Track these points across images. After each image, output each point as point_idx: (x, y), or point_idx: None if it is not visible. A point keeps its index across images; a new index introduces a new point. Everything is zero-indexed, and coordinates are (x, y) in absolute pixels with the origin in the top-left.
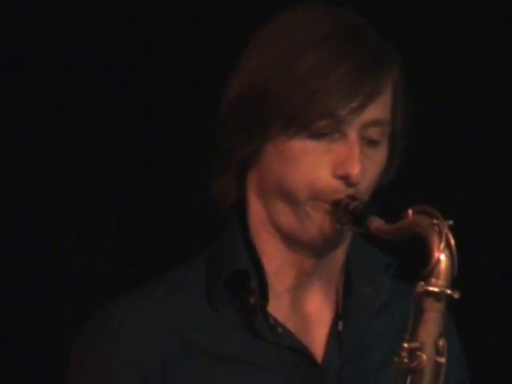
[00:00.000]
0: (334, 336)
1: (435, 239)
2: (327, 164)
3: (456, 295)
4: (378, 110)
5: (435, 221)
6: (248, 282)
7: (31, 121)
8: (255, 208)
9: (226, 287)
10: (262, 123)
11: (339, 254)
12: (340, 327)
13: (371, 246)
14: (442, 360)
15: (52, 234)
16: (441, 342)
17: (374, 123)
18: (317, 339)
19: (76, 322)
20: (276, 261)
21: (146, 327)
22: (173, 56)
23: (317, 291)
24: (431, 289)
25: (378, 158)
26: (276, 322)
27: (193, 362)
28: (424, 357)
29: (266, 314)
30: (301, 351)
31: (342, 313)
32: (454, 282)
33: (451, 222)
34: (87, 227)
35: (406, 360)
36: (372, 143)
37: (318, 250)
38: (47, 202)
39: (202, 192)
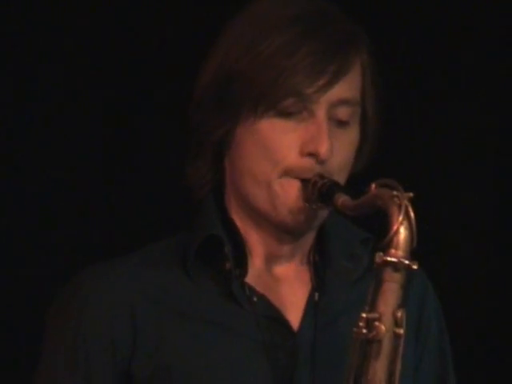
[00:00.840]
0: (309, 306)
1: (394, 210)
2: (296, 142)
3: (414, 266)
4: (346, 89)
5: (395, 193)
6: (222, 248)
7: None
8: (231, 191)
9: (202, 256)
10: (232, 105)
11: (312, 233)
12: (316, 297)
13: (348, 222)
14: (401, 331)
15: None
16: (399, 314)
17: (342, 102)
18: (292, 308)
19: None
20: (251, 236)
21: (117, 292)
22: (147, 44)
23: (293, 263)
24: (390, 259)
25: (348, 138)
26: (252, 290)
27: (166, 325)
28: (382, 327)
29: (243, 284)
30: (276, 318)
31: (318, 284)
32: (413, 253)
33: (411, 194)
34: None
35: (364, 330)
36: (341, 124)
37: (289, 229)
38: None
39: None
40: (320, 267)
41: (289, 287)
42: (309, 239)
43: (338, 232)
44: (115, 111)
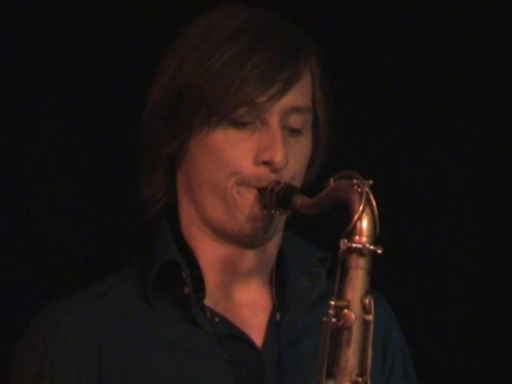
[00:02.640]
0: (271, 326)
1: (356, 198)
2: (250, 152)
3: (379, 250)
4: (297, 96)
5: (355, 181)
6: (180, 273)
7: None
8: (185, 207)
9: (160, 282)
10: (184, 118)
11: (272, 247)
12: (277, 317)
13: (304, 241)
14: (370, 317)
15: None
16: (367, 300)
17: (294, 110)
18: (255, 328)
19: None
20: (209, 256)
21: (81, 324)
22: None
23: (253, 283)
24: (354, 245)
25: (302, 146)
26: (213, 313)
27: (132, 353)
28: (351, 315)
29: (202, 306)
30: (239, 337)
31: (279, 304)
32: (377, 238)
33: (371, 182)
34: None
35: (333, 319)
36: (294, 132)
37: (248, 240)
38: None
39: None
40: (279, 287)
41: (249, 309)
42: (269, 256)
43: (295, 251)
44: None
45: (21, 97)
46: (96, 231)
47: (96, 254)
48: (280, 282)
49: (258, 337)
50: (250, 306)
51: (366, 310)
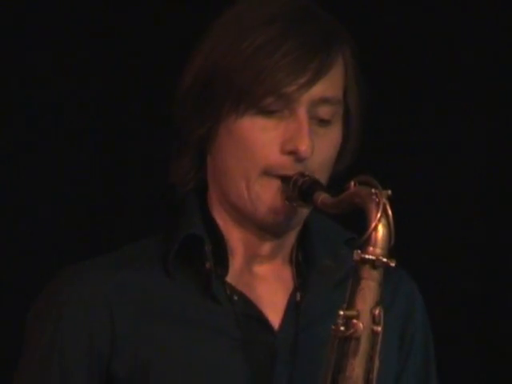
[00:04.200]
0: (291, 306)
1: (373, 208)
2: (277, 141)
3: (392, 264)
4: (327, 87)
5: (374, 190)
6: (202, 247)
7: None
8: (213, 190)
9: (183, 256)
10: (213, 104)
11: (293, 233)
12: (298, 298)
13: (332, 222)
14: (378, 329)
15: None
16: (377, 311)
17: (323, 101)
18: (274, 308)
19: None
20: (233, 237)
21: (94, 292)
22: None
23: (274, 263)
24: (367, 257)
25: (330, 137)
26: (232, 289)
27: (146, 326)
28: (360, 325)
29: (223, 283)
30: (256, 317)
31: (300, 284)
32: (391, 251)
33: (389, 192)
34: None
35: (342, 328)
36: (323, 122)
37: (270, 227)
38: None
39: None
40: (303, 266)
41: (270, 287)
42: (291, 238)
43: (322, 231)
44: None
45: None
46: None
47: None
48: (304, 261)
49: (276, 317)
50: (272, 284)
51: (375, 321)
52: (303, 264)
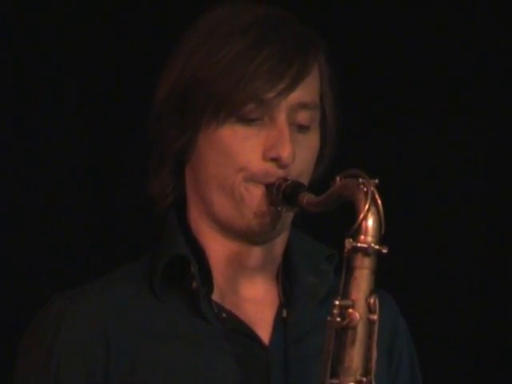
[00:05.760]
0: (278, 322)
1: (361, 197)
2: (258, 148)
3: (384, 250)
4: (305, 93)
5: (360, 180)
6: (188, 268)
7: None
8: (193, 202)
9: (168, 277)
10: (192, 114)
11: (279, 244)
12: (284, 314)
13: (312, 239)
14: (374, 317)
15: None
16: (372, 300)
17: (302, 106)
18: (262, 324)
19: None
20: (216, 252)
21: (87, 316)
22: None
23: (260, 279)
24: (359, 245)
25: (309, 143)
26: (220, 308)
27: (139, 344)
28: (356, 314)
29: (210, 301)
30: (246, 333)
31: (286, 301)
32: (383, 238)
33: (376, 181)
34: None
35: (338, 319)
36: (302, 128)
37: (255, 236)
38: None
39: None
40: (287, 284)
41: (256, 305)
42: (275, 251)
43: (303, 248)
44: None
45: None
46: (102, 227)
47: (103, 252)
48: (287, 278)
49: (264, 333)
50: (257, 302)
51: (370, 310)
52: (286, 281)
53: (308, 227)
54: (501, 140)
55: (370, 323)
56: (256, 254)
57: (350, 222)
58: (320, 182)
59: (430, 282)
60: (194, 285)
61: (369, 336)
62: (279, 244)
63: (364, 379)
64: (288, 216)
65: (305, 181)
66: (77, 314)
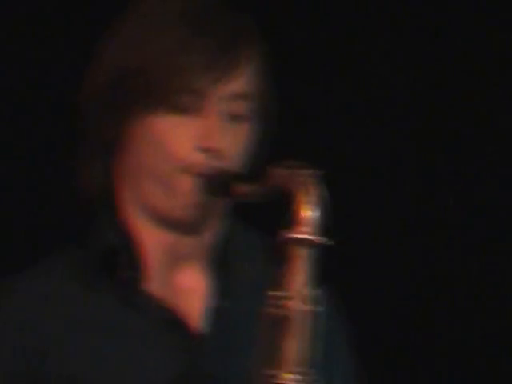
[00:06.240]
0: (210, 311)
1: (297, 188)
2: (189, 138)
3: (321, 241)
4: (238, 83)
5: (298, 172)
6: (118, 258)
7: None
8: (124, 192)
9: (98, 266)
10: (124, 103)
11: (212, 233)
12: (216, 303)
13: (250, 228)
14: (311, 308)
15: None
16: (308, 290)
17: (235, 96)
18: (193, 313)
19: None
20: (148, 241)
21: (17, 306)
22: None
23: (193, 269)
24: (294, 236)
25: (243, 133)
26: (150, 297)
27: (69, 335)
28: (290, 304)
29: (141, 291)
30: (178, 323)
31: (219, 290)
32: (320, 228)
33: (313, 170)
34: None
35: (273, 309)
36: (235, 118)
37: (187, 226)
38: None
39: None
40: (221, 273)
41: (188, 294)
42: (209, 242)
43: (238, 237)
44: None
45: None
46: (29, 216)
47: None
48: (222, 268)
49: (196, 323)
50: (190, 292)
51: (308, 301)
52: (220, 269)
53: (247, 218)
54: None
55: (306, 314)
56: (188, 243)
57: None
58: (255, 174)
59: (377, 275)
60: (124, 275)
61: (304, 326)
62: (212, 233)
63: (305, 370)
64: (220, 206)
65: (237, 171)
66: (6, 306)
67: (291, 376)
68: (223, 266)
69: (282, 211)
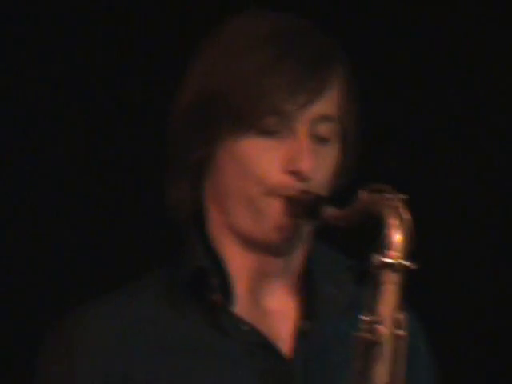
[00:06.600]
0: (299, 334)
1: (388, 212)
2: (278, 161)
3: (412, 266)
4: (325, 105)
5: (387, 195)
6: (208, 280)
7: None
8: (213, 214)
9: (188, 288)
10: (212, 126)
11: (299, 256)
12: (305, 326)
13: (333, 250)
14: (402, 333)
15: None
16: (399, 315)
17: (322, 119)
18: (282, 336)
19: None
20: (236, 263)
21: (105, 330)
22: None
23: (279, 291)
24: (387, 260)
25: (329, 155)
26: (241, 321)
27: (158, 358)
28: (383, 329)
29: (231, 314)
30: (267, 346)
31: (306, 312)
32: (410, 253)
33: (404, 196)
34: None
35: (364, 334)
36: (322, 140)
37: (275, 248)
38: None
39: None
40: (307, 295)
41: (277, 317)
42: (295, 264)
43: (323, 260)
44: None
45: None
46: (121, 238)
47: (119, 263)
48: (308, 290)
49: (285, 346)
50: (278, 315)
51: (398, 326)
52: (307, 293)
53: (332, 241)
54: None
55: (397, 339)
56: (275, 265)
57: (375, 238)
58: (340, 195)
59: (459, 297)
60: (214, 297)
61: (396, 352)
62: (299, 255)
63: None
64: (308, 228)
65: (325, 194)
66: (94, 331)
67: None
68: (310, 288)
69: (360, 235)
